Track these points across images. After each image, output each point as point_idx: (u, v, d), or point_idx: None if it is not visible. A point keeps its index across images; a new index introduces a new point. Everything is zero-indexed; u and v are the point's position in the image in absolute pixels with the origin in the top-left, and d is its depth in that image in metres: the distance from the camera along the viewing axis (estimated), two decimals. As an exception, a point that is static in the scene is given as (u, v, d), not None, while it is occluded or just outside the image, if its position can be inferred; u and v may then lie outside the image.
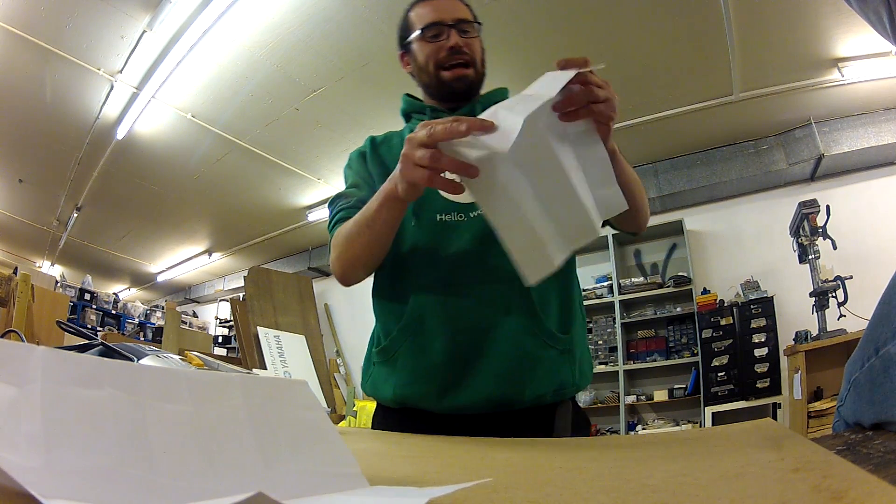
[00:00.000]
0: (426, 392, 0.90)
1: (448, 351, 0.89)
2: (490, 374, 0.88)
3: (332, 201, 1.01)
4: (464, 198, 0.74)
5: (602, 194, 0.69)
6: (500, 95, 1.06)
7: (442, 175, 0.66)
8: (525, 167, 0.62)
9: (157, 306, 8.74)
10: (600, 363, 4.46)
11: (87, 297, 7.37)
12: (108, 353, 0.73)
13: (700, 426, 3.94)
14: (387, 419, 0.98)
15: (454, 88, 0.99)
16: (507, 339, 0.89)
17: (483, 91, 1.05)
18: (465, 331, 0.89)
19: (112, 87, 3.78)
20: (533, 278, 0.66)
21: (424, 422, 0.91)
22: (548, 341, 0.90)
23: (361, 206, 0.88)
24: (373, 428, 1.02)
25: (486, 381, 0.88)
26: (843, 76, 3.43)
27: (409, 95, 1.09)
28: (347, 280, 0.94)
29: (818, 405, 2.92)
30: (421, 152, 0.66)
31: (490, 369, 0.88)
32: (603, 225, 0.86)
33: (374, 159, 1.03)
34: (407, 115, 1.09)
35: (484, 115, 0.63)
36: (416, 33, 0.99)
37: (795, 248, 3.47)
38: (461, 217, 0.92)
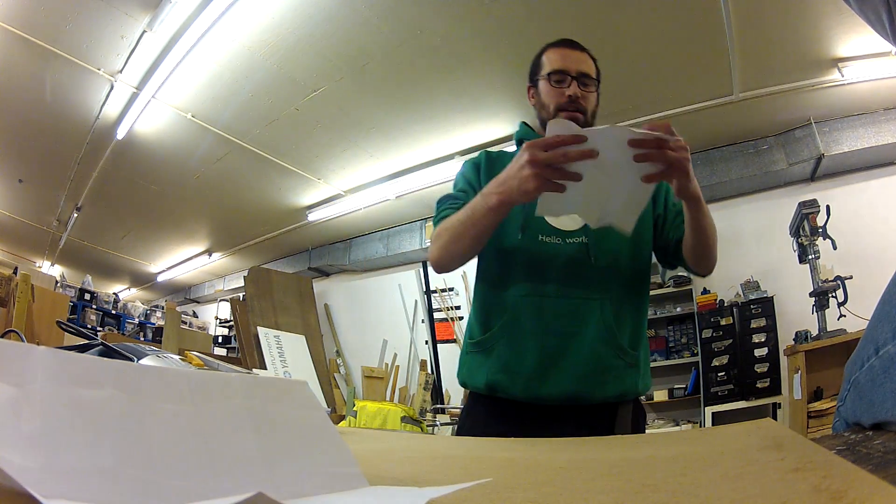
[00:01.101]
0: (516, 381, 1.06)
1: (538, 349, 1.06)
2: (570, 373, 1.05)
3: (442, 200, 1.17)
4: (566, 225, 1.10)
5: (620, 213, 0.91)
6: None
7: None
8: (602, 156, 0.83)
9: (157, 306, 8.74)
10: (600, 363, 4.46)
11: (87, 297, 7.38)
12: (108, 353, 0.73)
13: (700, 426, 3.94)
14: (477, 405, 1.14)
15: None
16: (586, 346, 1.06)
17: None
18: (553, 334, 1.06)
19: (112, 87, 3.78)
20: (540, 210, 0.91)
21: (510, 408, 1.07)
22: (619, 353, 1.07)
23: None
24: (462, 416, 1.20)
25: (567, 379, 1.04)
26: (843, 76, 3.43)
27: (525, 124, 1.24)
28: (445, 269, 1.10)
29: (818, 405, 2.92)
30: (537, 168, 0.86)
31: (571, 370, 1.05)
32: (674, 266, 1.21)
33: (487, 172, 1.16)
34: (520, 142, 1.21)
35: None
36: (544, 75, 1.14)
37: (795, 248, 3.47)
38: (559, 240, 1.10)
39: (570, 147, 0.83)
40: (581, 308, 1.08)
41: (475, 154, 1.24)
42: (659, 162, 0.84)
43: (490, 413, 1.10)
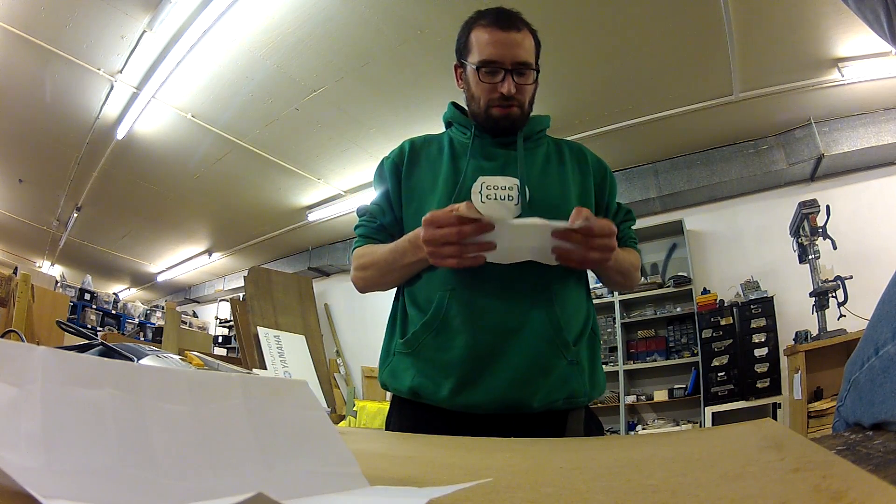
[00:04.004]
0: (442, 387, 0.93)
1: (468, 349, 0.93)
2: (505, 376, 0.92)
3: (360, 212, 1.11)
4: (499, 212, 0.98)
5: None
6: (543, 122, 1.10)
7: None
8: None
9: (157, 306, 8.73)
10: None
11: (87, 297, 7.37)
12: (108, 353, 0.73)
13: (700, 426, 3.94)
14: (402, 412, 1.01)
15: (501, 126, 1.03)
16: (525, 343, 0.93)
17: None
18: (486, 331, 0.94)
19: (112, 87, 3.77)
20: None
21: (437, 417, 0.94)
22: (561, 350, 0.95)
23: (381, 234, 1.05)
24: (387, 423, 1.05)
25: (501, 382, 0.92)
26: (843, 76, 3.43)
27: (455, 105, 1.11)
28: (367, 292, 1.08)
29: (818, 405, 2.92)
30: (448, 248, 0.87)
31: (506, 372, 0.92)
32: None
33: (410, 163, 1.07)
34: (448, 123, 1.12)
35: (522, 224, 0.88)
36: (473, 65, 1.00)
37: (795, 248, 3.47)
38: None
39: (466, 227, 0.84)
40: (519, 298, 0.95)
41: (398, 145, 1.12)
42: (577, 264, 0.90)
43: (416, 421, 0.97)
